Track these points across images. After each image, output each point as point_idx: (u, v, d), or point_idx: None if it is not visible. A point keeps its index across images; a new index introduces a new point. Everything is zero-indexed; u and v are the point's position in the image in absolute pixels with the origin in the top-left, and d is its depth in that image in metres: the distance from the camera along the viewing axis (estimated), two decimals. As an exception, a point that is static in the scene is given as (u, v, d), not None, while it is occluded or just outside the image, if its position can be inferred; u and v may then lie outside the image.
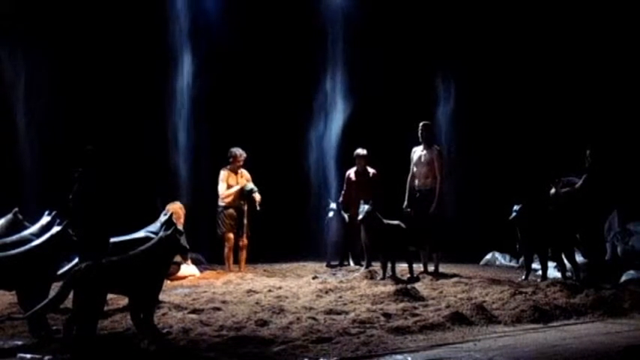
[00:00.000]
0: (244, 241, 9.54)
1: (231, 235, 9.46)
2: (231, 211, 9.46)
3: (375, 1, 11.51)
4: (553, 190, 8.57)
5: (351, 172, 10.26)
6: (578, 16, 11.07)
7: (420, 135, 9.19)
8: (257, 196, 9.38)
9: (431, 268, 9.22)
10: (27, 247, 5.80)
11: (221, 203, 9.48)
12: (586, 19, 11.01)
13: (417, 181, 9.18)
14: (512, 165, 11.19)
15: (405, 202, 9.28)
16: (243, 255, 9.61)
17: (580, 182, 8.33)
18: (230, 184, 9.46)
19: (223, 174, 9.47)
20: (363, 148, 10.14)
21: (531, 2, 11.59)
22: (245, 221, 9.47)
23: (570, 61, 11.17)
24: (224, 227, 9.46)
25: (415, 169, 9.21)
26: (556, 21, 11.32)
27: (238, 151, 9.46)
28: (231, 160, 9.47)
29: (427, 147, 9.18)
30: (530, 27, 11.41)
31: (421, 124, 9.21)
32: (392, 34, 11.61)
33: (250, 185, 9.43)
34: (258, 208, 9.38)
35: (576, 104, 11.01)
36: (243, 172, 9.60)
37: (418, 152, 9.24)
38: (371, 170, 10.15)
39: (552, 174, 8.85)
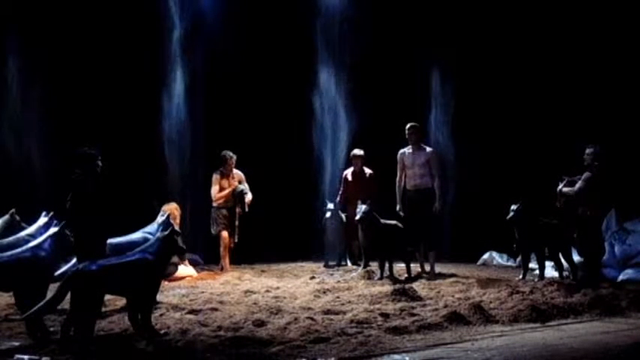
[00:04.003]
0: (233, 242, 9.68)
1: (226, 234, 9.57)
2: (224, 211, 9.63)
3: (373, 1, 11.49)
4: (559, 188, 8.55)
5: (348, 173, 10.27)
6: (579, 14, 11.05)
7: (408, 137, 9.17)
8: (247, 198, 9.57)
9: (428, 267, 9.23)
10: (24, 248, 5.79)
11: (214, 204, 9.67)
12: (586, 16, 10.98)
13: (412, 182, 9.14)
14: (510, 165, 11.18)
15: (398, 205, 9.26)
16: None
17: (579, 184, 8.31)
18: (223, 186, 9.67)
19: (215, 177, 9.70)
20: (360, 148, 10.16)
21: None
22: (236, 222, 9.62)
23: (569, 59, 11.15)
24: (218, 226, 9.58)
25: (409, 170, 9.17)
26: (555, 19, 11.29)
27: (228, 154, 9.69)
28: (223, 163, 9.68)
29: (418, 148, 9.17)
30: (529, 25, 11.38)
31: (408, 125, 9.18)
32: (390, 32, 11.59)
33: (241, 187, 9.63)
34: (246, 209, 9.57)
35: (574, 103, 11.00)
36: (236, 173, 9.78)
37: (408, 153, 9.21)
38: (368, 170, 10.15)
39: (551, 173, 8.85)
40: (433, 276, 8.82)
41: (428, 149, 9.24)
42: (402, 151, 9.27)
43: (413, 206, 9.10)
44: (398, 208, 9.23)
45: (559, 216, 8.60)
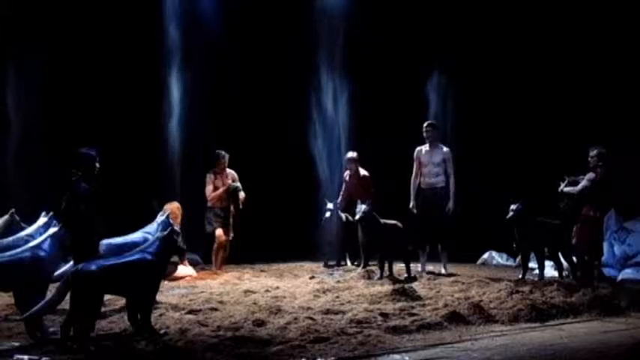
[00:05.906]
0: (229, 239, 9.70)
1: (221, 232, 9.59)
2: (218, 210, 9.68)
3: (372, 1, 11.49)
4: (560, 188, 8.53)
5: (347, 174, 10.31)
6: (580, 15, 11.03)
7: (425, 136, 9.25)
8: (241, 195, 9.63)
9: (431, 267, 9.23)
10: (23, 248, 5.78)
11: (208, 204, 9.71)
12: (587, 17, 10.97)
13: (427, 180, 9.23)
14: (510, 164, 11.18)
15: (412, 202, 9.31)
16: (225, 254, 9.70)
17: (583, 183, 8.30)
18: (217, 185, 9.71)
19: (209, 177, 9.73)
20: (353, 150, 10.21)
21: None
22: (231, 221, 9.66)
23: (570, 60, 11.13)
24: (214, 224, 9.60)
25: (424, 168, 9.25)
26: (556, 19, 11.28)
27: (221, 154, 9.74)
28: (215, 162, 9.74)
29: (434, 146, 9.24)
30: (532, 25, 11.36)
31: (426, 124, 9.32)
32: (388, 32, 11.59)
33: (235, 184, 9.68)
34: (240, 206, 9.62)
35: (575, 103, 10.99)
36: (229, 172, 9.82)
37: (425, 151, 9.28)
38: (363, 172, 10.15)
39: (551, 173, 8.85)
40: (447, 274, 8.89)
41: (444, 149, 9.32)
42: (418, 148, 9.36)
43: (426, 205, 9.17)
44: (411, 205, 9.29)
45: (560, 216, 8.60)
